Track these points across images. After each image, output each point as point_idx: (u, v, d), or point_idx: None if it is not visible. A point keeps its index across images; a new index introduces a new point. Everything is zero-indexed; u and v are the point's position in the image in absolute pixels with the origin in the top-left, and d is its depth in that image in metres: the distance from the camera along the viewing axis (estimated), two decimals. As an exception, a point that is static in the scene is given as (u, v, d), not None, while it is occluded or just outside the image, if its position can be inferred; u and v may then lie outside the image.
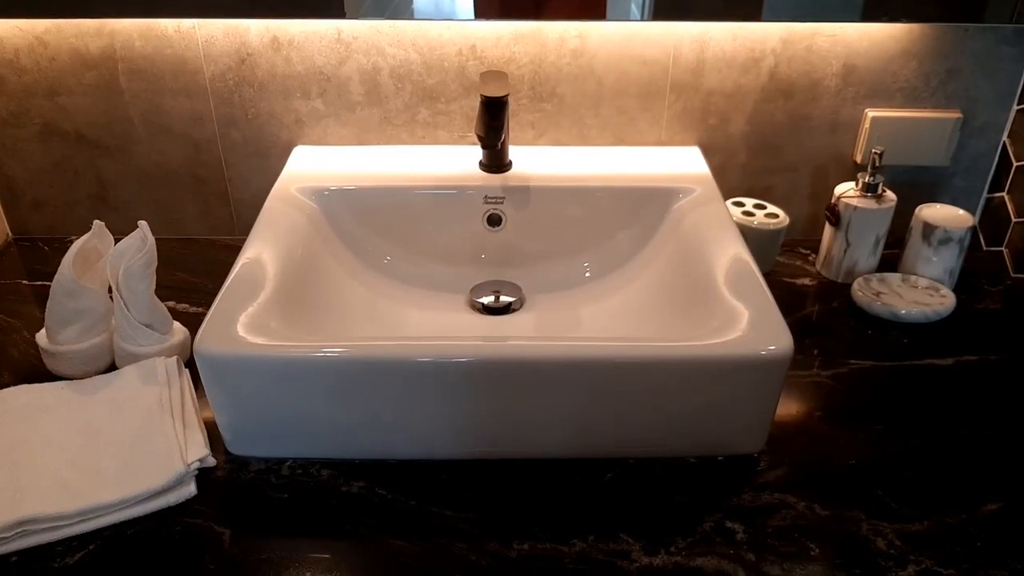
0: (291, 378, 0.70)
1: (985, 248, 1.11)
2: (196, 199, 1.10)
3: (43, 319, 0.85)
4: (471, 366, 0.70)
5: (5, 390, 0.80)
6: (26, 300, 1.00)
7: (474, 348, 0.70)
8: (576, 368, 0.70)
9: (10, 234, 1.13)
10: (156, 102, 1.02)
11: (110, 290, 0.84)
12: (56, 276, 0.80)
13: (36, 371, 0.87)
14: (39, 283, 1.04)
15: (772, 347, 0.71)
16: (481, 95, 0.88)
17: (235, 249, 0.91)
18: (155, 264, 0.82)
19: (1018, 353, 0.91)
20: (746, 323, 0.73)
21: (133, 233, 0.83)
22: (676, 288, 0.88)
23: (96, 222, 0.86)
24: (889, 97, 1.03)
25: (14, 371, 0.87)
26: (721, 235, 0.88)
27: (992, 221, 1.09)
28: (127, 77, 1.01)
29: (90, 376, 0.84)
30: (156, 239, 0.83)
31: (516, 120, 1.05)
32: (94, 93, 1.02)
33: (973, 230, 0.99)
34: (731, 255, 0.84)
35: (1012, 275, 1.05)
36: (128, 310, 0.81)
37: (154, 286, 0.83)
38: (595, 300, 0.95)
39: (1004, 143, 1.06)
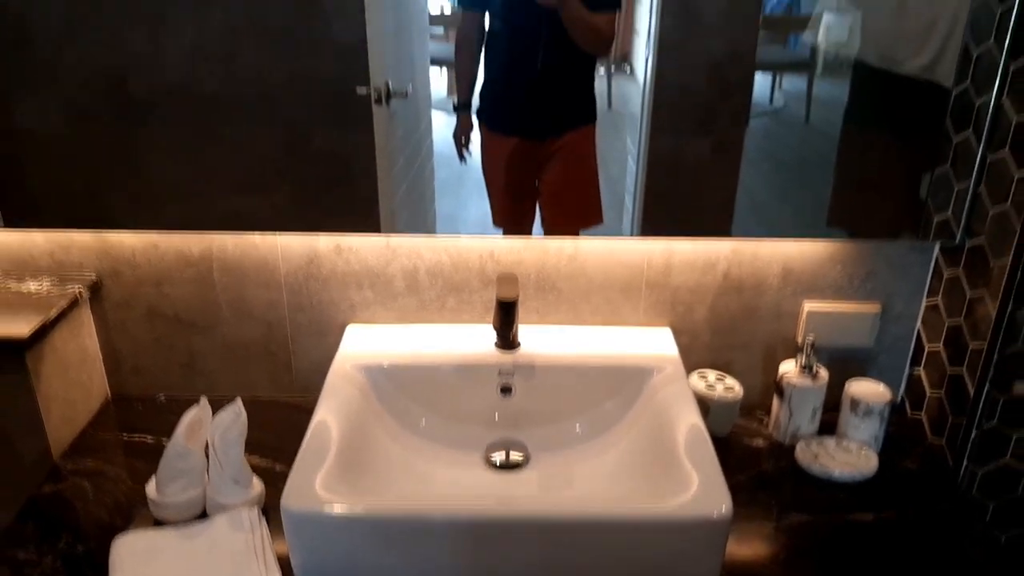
0: (350, 530, 0.93)
1: (910, 414, 1.34)
2: (265, 367, 1.35)
3: (141, 469, 1.08)
4: (479, 522, 0.93)
5: (128, 535, 1.02)
6: (125, 452, 1.24)
7: (480, 509, 0.94)
8: (562, 526, 0.93)
9: (109, 395, 1.38)
10: (240, 292, 1.30)
11: (205, 448, 1.08)
12: (171, 443, 1.05)
13: (142, 516, 1.10)
14: (136, 437, 1.28)
15: (721, 509, 0.93)
16: (497, 297, 1.15)
17: (295, 407, 1.15)
18: (246, 433, 1.07)
19: (926, 508, 1.13)
20: (697, 488, 0.96)
21: (229, 407, 1.07)
22: (647, 453, 1.11)
23: (202, 398, 1.11)
24: (821, 292, 1.30)
25: (124, 516, 1.10)
26: (684, 410, 1.12)
27: (914, 391, 1.34)
28: (219, 273, 1.29)
29: (185, 520, 1.06)
30: (230, 398, 1.08)
31: (524, 307, 1.32)
32: (192, 284, 1.29)
33: (892, 403, 1.23)
34: (690, 426, 1.08)
35: (929, 438, 1.28)
36: (222, 468, 1.05)
37: (243, 450, 1.07)
38: (585, 459, 1.18)
39: (918, 330, 1.32)
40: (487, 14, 1.56)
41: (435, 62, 2.99)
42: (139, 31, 1.82)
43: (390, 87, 1.53)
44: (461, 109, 1.70)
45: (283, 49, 1.87)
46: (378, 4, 1.45)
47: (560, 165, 1.69)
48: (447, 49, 2.84)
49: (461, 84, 1.70)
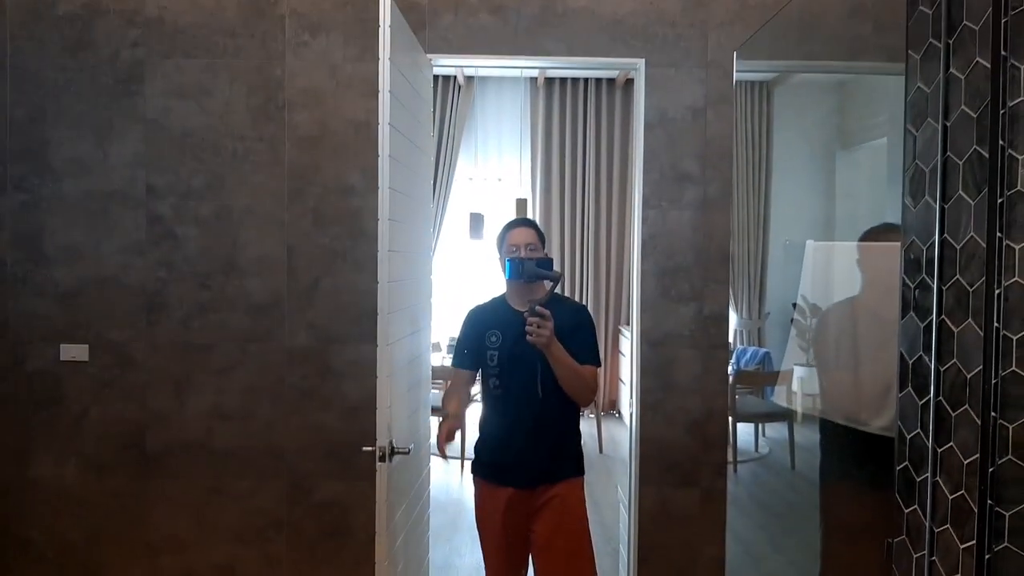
0: None
1: None
2: None
3: None
4: None
5: None
6: None
7: None
8: None
9: None
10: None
11: None
12: None
13: None
14: None
15: None
16: None
17: None
18: None
19: None
20: None
21: None
22: None
23: None
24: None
25: None
26: None
27: None
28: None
29: None
30: None
31: None
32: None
33: None
34: None
35: None
36: None
37: None
38: None
39: None
40: (481, 374, 1.75)
41: (434, 412, 3.18)
42: (164, 391, 2.01)
43: (394, 445, 1.66)
44: (450, 416, 1.79)
45: (296, 407, 2.05)
46: (388, 367, 1.64)
47: (551, 516, 1.77)
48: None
49: (450, 404, 1.81)
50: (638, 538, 2.08)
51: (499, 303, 1.76)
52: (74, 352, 1.97)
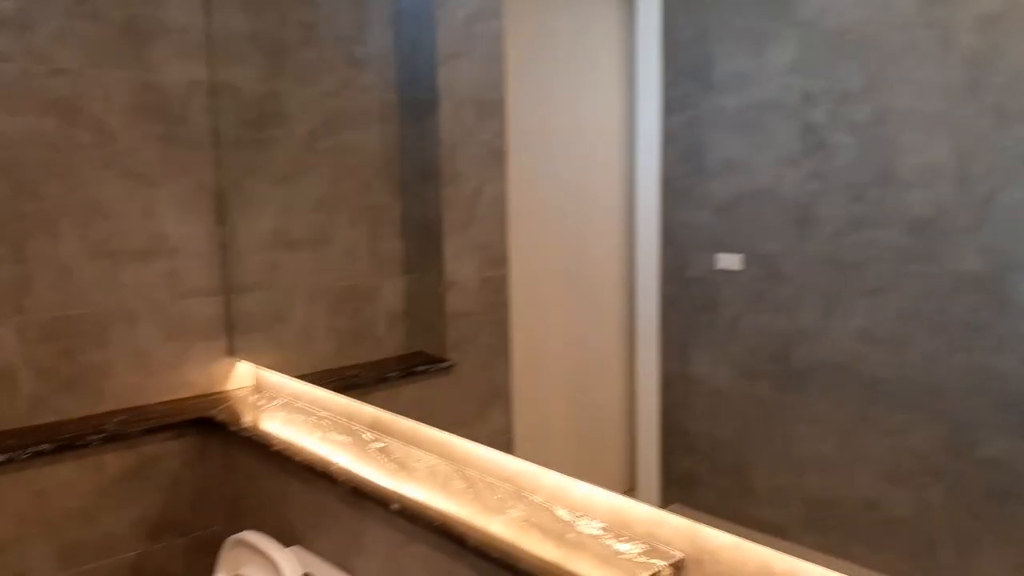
0: None
1: None
2: None
3: None
4: None
5: None
6: None
7: None
8: None
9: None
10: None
11: None
12: None
13: None
14: None
15: None
16: None
17: None
18: None
19: None
20: None
21: None
22: None
23: None
24: None
25: None
26: None
27: None
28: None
29: None
30: None
31: None
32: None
33: None
34: None
35: None
36: None
37: None
38: None
39: None
40: None
41: None
42: (811, 307, 1.95)
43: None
44: None
45: (962, 343, 1.74)
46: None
47: None
48: None
49: None
50: None
51: None
52: (728, 262, 2.07)
